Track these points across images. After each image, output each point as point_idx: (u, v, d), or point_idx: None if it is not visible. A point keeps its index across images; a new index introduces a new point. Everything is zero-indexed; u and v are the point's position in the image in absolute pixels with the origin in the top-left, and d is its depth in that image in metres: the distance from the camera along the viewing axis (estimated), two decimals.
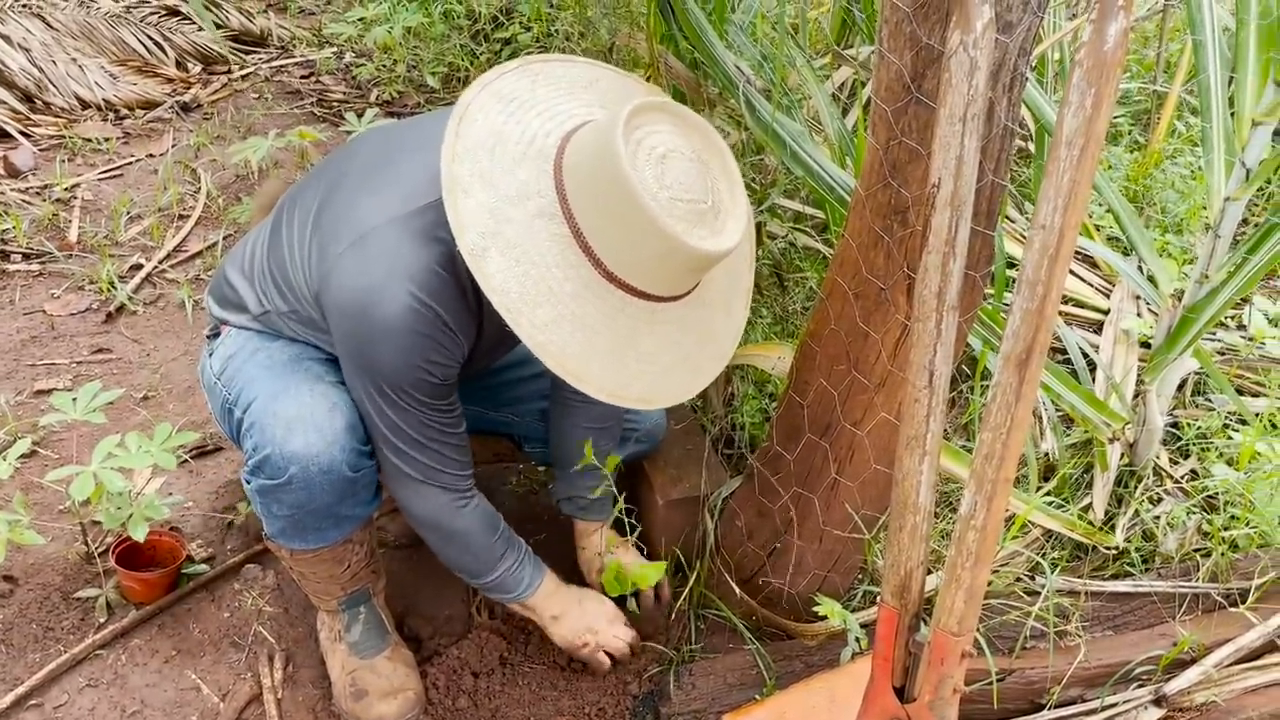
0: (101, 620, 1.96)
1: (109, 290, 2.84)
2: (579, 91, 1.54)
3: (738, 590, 1.96)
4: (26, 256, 2.95)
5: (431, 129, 1.60)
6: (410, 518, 1.74)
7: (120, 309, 2.80)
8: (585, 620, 1.88)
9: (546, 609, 1.86)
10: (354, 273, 1.50)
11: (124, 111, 3.77)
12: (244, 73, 4.14)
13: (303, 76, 4.16)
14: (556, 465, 1.99)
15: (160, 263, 2.99)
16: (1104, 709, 1.82)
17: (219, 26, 4.22)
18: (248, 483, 1.66)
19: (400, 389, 1.55)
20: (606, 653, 1.89)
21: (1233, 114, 2.02)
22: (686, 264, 1.41)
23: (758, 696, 1.81)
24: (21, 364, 2.59)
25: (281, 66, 4.20)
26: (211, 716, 1.83)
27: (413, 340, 1.49)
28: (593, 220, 1.40)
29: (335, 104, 3.93)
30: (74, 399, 1.96)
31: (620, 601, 1.96)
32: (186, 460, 2.32)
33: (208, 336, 1.86)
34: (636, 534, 1.97)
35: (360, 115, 3.24)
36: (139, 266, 2.96)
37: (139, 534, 1.89)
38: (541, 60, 1.56)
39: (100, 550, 2.05)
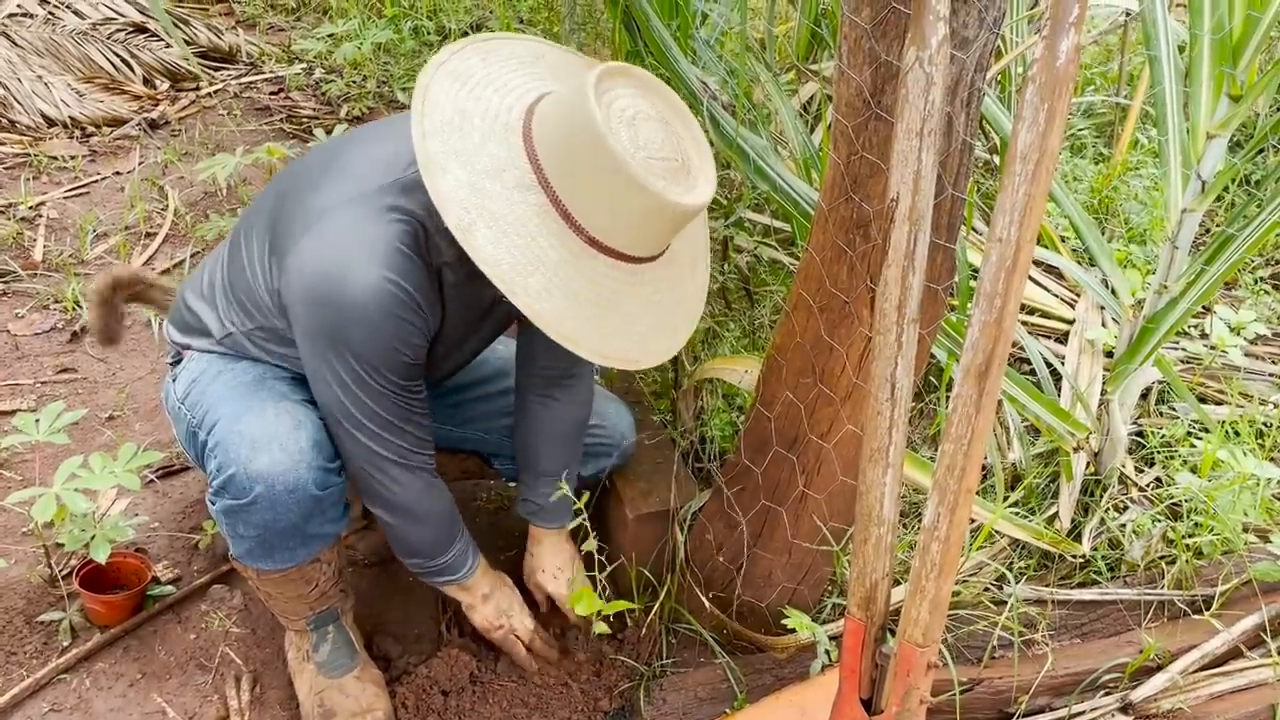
0: (65, 644, 1.93)
1: (74, 309, 2.81)
2: (528, 66, 1.56)
3: (708, 604, 1.96)
4: None
5: (376, 129, 1.62)
6: (382, 506, 1.71)
7: (85, 328, 2.77)
8: (504, 603, 1.91)
9: (479, 587, 1.88)
10: (315, 255, 1.49)
11: (90, 129, 3.73)
12: (212, 89, 4.11)
13: (272, 93, 4.13)
14: (519, 470, 1.99)
15: None
16: (1071, 717, 1.83)
17: (187, 43, 4.19)
18: (213, 504, 1.64)
19: (376, 370, 1.54)
20: (529, 649, 1.93)
21: (1188, 127, 2.06)
22: (668, 220, 1.44)
23: (728, 710, 1.81)
24: None
25: (250, 83, 4.18)
26: None
27: (386, 320, 1.50)
28: (570, 187, 1.42)
29: (305, 120, 3.91)
30: (37, 420, 1.94)
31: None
32: (152, 480, 2.30)
33: (170, 363, 1.85)
34: (607, 563, 1.97)
35: (329, 131, 3.23)
36: None
37: (100, 555, 1.87)
38: (486, 39, 1.57)
39: (64, 573, 2.02)
